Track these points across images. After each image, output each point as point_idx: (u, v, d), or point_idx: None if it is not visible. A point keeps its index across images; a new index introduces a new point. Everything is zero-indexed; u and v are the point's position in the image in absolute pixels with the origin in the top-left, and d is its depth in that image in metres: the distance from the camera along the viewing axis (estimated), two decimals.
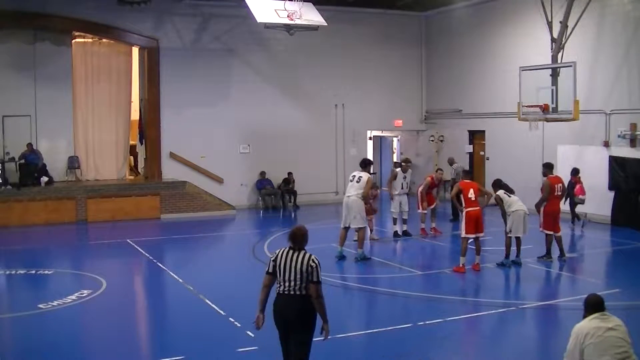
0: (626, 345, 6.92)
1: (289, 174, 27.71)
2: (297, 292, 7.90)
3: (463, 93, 29.11)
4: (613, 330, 6.93)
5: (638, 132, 21.45)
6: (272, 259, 8.13)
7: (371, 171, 17.24)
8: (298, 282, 7.89)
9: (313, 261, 7.93)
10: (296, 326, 7.96)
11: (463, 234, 15.64)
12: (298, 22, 22.84)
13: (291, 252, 8.05)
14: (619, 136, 21.84)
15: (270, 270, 8.10)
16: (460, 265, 15.64)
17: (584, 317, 7.15)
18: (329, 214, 23.98)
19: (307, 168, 28.02)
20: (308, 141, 28.37)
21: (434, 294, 13.85)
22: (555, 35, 21.09)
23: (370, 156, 31.13)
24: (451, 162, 21.15)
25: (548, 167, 16.91)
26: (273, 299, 8.06)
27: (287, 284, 7.92)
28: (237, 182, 27.31)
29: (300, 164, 27.91)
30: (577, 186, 20.61)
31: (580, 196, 20.61)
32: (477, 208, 15.64)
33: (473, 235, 15.60)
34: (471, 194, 15.63)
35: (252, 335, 10.59)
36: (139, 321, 12.93)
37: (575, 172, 18.92)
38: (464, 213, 15.77)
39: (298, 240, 8.12)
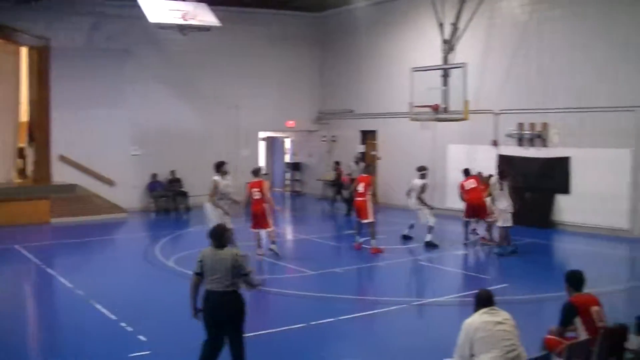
0: (514, 339, 7.08)
1: (172, 172, 27.31)
2: (228, 289, 8.06)
3: (355, 93, 29.40)
4: (502, 324, 7.08)
5: (525, 132, 22.17)
6: (198, 259, 8.25)
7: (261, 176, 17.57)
8: (228, 279, 8.05)
9: (239, 256, 8.15)
10: (230, 324, 8.14)
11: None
12: (192, 22, 22.52)
13: (216, 250, 8.19)
14: (507, 135, 22.52)
15: (198, 271, 8.22)
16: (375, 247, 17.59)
17: (474, 311, 7.29)
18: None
19: (201, 170, 27.12)
20: (201, 142, 27.82)
21: (327, 293, 13.85)
22: (446, 36, 21.55)
23: (262, 157, 31.37)
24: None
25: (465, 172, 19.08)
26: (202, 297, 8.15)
27: (216, 281, 8.05)
28: (129, 184, 26.59)
29: (194, 166, 27.24)
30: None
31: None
32: (363, 199, 17.66)
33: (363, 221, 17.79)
34: (361, 187, 17.69)
35: (145, 340, 10.39)
36: (25, 329, 12.28)
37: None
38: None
39: (218, 237, 8.28)
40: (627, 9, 19.68)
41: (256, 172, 17.50)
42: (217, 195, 16.24)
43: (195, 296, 8.32)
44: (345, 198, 25.44)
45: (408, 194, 19.27)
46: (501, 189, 17.45)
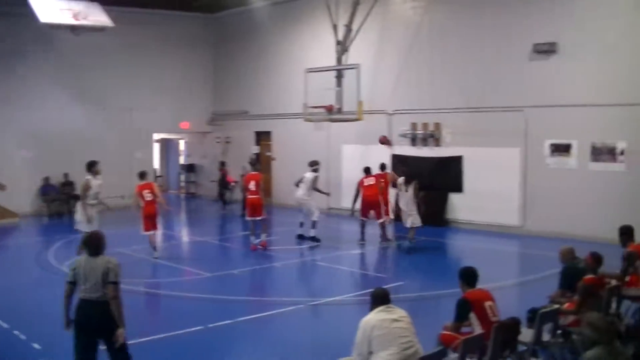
0: (410, 335, 7.11)
1: (65, 175, 26.55)
2: (101, 299, 7.70)
3: (250, 94, 29.27)
4: (398, 322, 7.11)
5: (418, 132, 22.50)
6: (72, 267, 7.90)
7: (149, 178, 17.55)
8: (100, 288, 7.70)
9: (111, 262, 7.82)
10: (104, 334, 7.75)
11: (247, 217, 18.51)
12: (84, 22, 21.90)
13: (90, 258, 7.85)
14: (400, 135, 22.80)
15: (70, 279, 7.85)
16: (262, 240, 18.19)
17: (371, 310, 7.29)
18: (115, 219, 23.26)
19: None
20: (95, 145, 26.86)
21: (224, 295, 13.75)
22: (340, 38, 21.64)
23: (156, 159, 31.03)
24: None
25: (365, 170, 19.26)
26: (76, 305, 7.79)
27: (88, 290, 7.71)
28: (20, 188, 25.49)
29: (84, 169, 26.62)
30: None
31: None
32: (257, 196, 18.02)
33: (250, 218, 18.24)
34: (252, 185, 18.10)
35: (39, 348, 10.04)
36: None
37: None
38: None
39: (93, 245, 7.95)
40: (513, 9, 20.19)
41: (143, 175, 17.54)
42: (88, 196, 15.81)
43: (68, 306, 7.93)
44: (224, 199, 26.72)
45: (297, 184, 19.48)
46: (406, 191, 17.87)
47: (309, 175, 19.10)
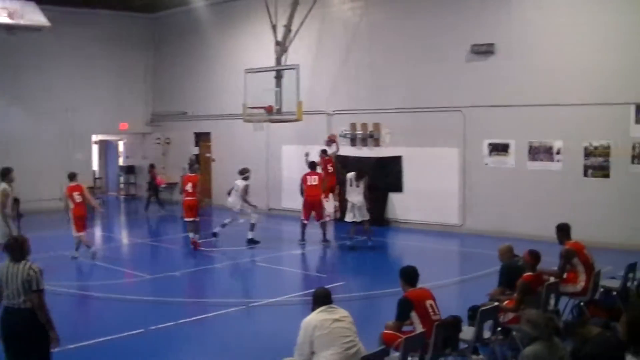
0: (353, 335, 7.11)
1: None
2: (22, 306, 7.40)
3: (190, 95, 29.06)
4: (340, 322, 7.09)
5: (358, 132, 22.56)
6: None
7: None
8: (22, 295, 7.40)
9: (32, 269, 7.46)
10: (26, 343, 7.44)
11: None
12: (20, 22, 21.43)
13: (11, 264, 7.54)
14: (340, 135, 22.83)
15: None
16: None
17: (312, 310, 7.26)
18: (55, 222, 22.82)
19: (32, 175, 25.93)
20: (32, 146, 26.53)
21: (166, 297, 13.59)
22: (279, 38, 21.58)
23: (95, 161, 30.66)
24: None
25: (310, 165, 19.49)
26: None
27: (11, 297, 7.42)
28: None
29: (24, 171, 25.85)
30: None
31: None
32: (193, 198, 18.38)
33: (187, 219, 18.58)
34: (189, 187, 18.49)
35: None
36: None
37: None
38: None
39: (13, 250, 7.62)
40: (452, 10, 20.38)
41: (72, 176, 17.39)
42: (8, 206, 14.77)
43: None
44: (149, 201, 26.56)
45: (228, 193, 19.42)
46: (357, 186, 18.04)
47: (240, 183, 19.04)
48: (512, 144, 19.41)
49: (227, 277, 16.11)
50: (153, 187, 26.86)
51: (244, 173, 19.23)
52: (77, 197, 16.96)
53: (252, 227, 18.85)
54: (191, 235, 18.54)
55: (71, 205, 16.95)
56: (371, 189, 19.65)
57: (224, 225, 19.48)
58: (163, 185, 27.14)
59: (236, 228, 19.37)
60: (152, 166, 27.71)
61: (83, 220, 17.08)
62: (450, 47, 20.37)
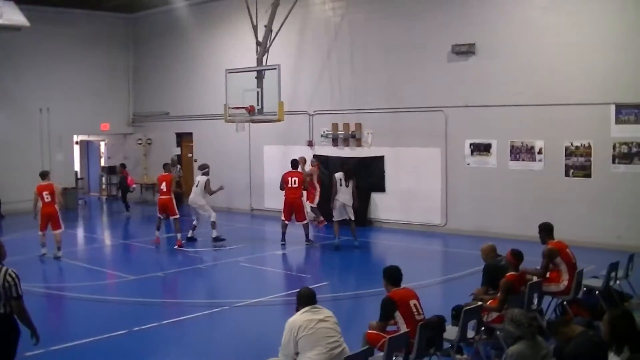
0: (337, 335, 7.14)
1: None
2: (1, 311, 7.24)
3: (171, 95, 28.95)
4: (324, 322, 7.12)
5: (340, 132, 22.58)
6: None
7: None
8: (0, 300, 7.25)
9: (10, 275, 7.26)
10: (5, 346, 7.32)
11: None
12: None
13: None
14: (322, 136, 22.87)
15: None
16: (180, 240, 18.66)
17: (297, 310, 7.28)
18: (36, 223, 22.76)
19: (12, 176, 25.84)
20: (12, 147, 26.34)
21: (150, 297, 13.56)
22: (260, 38, 21.54)
23: (77, 161, 30.54)
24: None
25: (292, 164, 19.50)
26: None
27: None
28: None
29: (5, 172, 25.81)
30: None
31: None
32: (167, 197, 18.92)
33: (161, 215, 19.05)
34: (164, 186, 19.05)
35: None
36: None
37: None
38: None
39: None
40: (433, 11, 20.43)
41: (44, 175, 17.58)
42: None
43: None
44: (125, 201, 26.49)
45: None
46: (346, 186, 18.11)
47: (200, 179, 19.24)
48: (493, 143, 19.47)
49: (211, 278, 16.08)
50: (123, 187, 26.72)
51: (203, 168, 19.54)
52: (47, 197, 17.11)
53: (213, 225, 19.00)
54: (178, 236, 18.65)
55: (40, 204, 17.14)
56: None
57: (194, 228, 19.53)
58: (134, 186, 27.01)
59: (220, 229, 19.35)
60: (122, 166, 27.56)
61: (50, 219, 17.14)
62: (431, 47, 20.40)
